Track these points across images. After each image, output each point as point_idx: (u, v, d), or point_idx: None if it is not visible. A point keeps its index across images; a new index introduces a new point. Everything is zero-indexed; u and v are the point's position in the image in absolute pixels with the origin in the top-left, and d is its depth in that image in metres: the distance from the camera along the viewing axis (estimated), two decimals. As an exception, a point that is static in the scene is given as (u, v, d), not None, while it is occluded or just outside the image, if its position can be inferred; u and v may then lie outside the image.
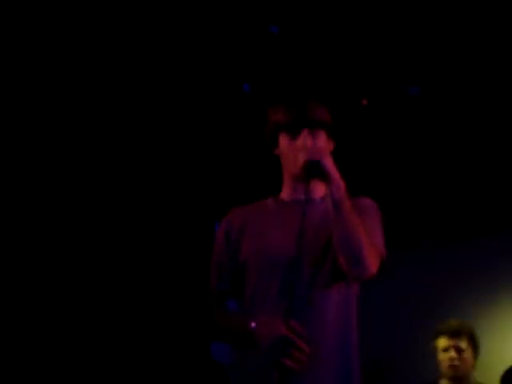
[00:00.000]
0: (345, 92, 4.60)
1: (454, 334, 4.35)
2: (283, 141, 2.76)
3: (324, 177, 2.55)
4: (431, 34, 4.17)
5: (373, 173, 5.06)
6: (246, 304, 2.67)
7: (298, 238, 2.55)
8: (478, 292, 5.38)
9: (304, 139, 2.69)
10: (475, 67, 4.37)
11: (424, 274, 5.53)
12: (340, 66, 4.43)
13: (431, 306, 5.34)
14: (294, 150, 2.69)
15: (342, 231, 2.53)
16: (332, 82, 4.48)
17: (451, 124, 4.84)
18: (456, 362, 4.32)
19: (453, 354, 4.33)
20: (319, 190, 2.76)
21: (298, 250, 2.55)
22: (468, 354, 4.35)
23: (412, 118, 4.85)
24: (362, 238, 2.55)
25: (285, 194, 2.83)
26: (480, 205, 5.37)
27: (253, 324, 2.54)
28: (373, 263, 2.57)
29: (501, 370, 4.26)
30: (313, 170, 2.56)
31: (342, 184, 2.56)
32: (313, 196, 2.75)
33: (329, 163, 2.56)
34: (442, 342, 4.39)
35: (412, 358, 5.17)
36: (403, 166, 5.18)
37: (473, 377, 4.38)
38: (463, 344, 4.35)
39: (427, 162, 5.13)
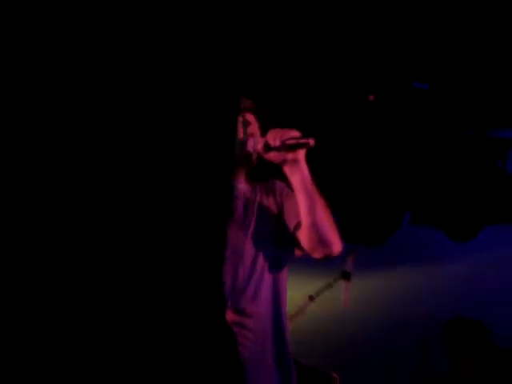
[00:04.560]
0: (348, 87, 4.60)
1: None
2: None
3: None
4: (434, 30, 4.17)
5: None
6: None
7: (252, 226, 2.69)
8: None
9: (252, 125, 2.80)
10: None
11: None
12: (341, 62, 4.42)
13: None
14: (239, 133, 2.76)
15: (310, 215, 2.61)
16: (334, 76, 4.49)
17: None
18: None
19: None
20: (241, 175, 2.81)
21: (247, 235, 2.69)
22: None
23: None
24: (330, 219, 2.64)
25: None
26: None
27: None
28: (339, 240, 2.66)
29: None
30: (299, 142, 2.59)
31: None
32: (236, 179, 2.81)
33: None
34: None
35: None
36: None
37: None
38: None
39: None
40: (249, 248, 2.68)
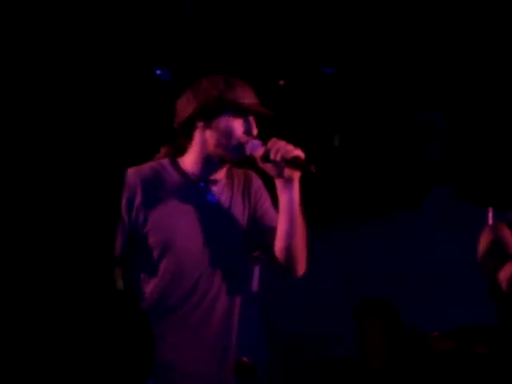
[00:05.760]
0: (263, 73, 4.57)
1: None
2: (230, 120, 2.63)
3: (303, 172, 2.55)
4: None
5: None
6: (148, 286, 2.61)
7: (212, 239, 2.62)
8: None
9: (255, 128, 2.66)
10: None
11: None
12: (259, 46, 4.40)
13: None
14: (240, 133, 2.63)
15: (287, 239, 2.58)
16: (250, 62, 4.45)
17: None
18: None
19: None
20: (222, 172, 2.71)
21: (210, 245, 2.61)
22: None
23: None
24: (305, 246, 2.61)
25: (191, 166, 2.68)
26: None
27: None
28: (306, 266, 2.64)
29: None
30: (300, 164, 2.51)
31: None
32: (216, 177, 2.69)
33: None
34: None
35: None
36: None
37: None
38: None
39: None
40: (213, 253, 2.61)
